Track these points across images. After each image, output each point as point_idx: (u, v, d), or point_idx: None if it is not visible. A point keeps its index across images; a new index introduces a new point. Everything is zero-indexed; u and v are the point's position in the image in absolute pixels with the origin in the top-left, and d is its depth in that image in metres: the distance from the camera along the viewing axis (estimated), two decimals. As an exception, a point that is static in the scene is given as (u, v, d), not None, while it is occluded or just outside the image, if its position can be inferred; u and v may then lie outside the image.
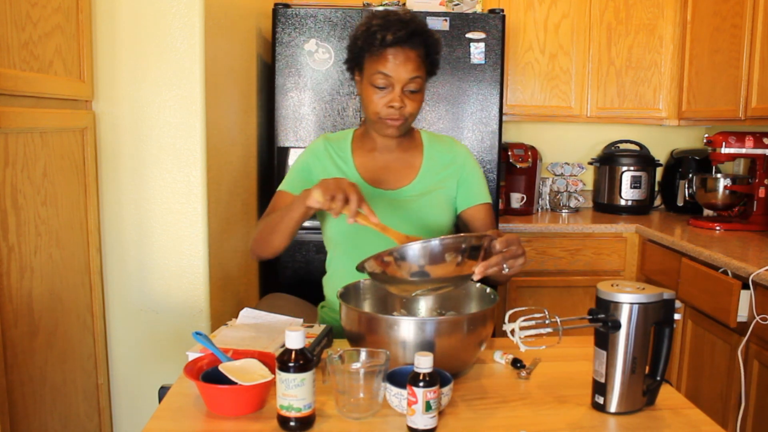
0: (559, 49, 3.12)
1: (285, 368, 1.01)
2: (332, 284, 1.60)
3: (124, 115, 1.83)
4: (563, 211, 3.32)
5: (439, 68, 1.56)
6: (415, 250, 1.15)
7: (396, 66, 1.44)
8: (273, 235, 1.45)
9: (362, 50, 1.48)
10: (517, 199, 3.18)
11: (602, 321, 1.09)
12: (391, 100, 1.46)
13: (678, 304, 1.13)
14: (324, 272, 1.68)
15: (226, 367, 1.11)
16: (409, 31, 1.44)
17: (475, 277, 1.18)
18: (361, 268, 1.21)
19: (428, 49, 1.49)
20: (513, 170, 3.16)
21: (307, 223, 2.61)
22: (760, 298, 2.00)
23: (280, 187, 1.60)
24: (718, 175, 2.79)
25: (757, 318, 1.99)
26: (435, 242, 1.15)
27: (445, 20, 2.61)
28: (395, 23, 1.44)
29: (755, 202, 2.70)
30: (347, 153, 1.60)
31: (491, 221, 1.63)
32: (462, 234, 1.21)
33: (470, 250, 1.18)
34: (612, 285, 1.11)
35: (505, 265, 1.21)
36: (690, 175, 2.99)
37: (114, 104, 1.82)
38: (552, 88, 3.14)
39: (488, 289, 1.36)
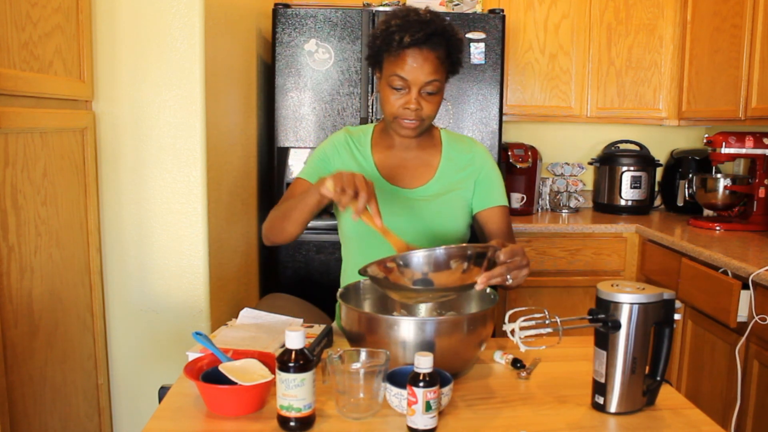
0: (559, 49, 3.12)
1: (285, 368, 1.01)
2: (347, 282, 1.59)
3: (124, 115, 1.83)
4: (563, 211, 3.32)
5: (462, 66, 1.53)
6: (419, 258, 1.15)
7: (413, 69, 1.41)
8: (286, 221, 1.44)
9: (381, 50, 1.46)
10: (517, 199, 3.18)
11: (602, 321, 1.09)
12: (406, 102, 1.44)
13: (678, 304, 1.13)
14: (324, 272, 1.68)
15: (226, 367, 1.11)
16: (429, 33, 1.40)
17: (478, 287, 1.17)
18: (363, 272, 1.21)
19: (450, 49, 1.45)
20: (513, 170, 3.16)
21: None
22: (759, 298, 2.00)
23: (298, 175, 1.60)
24: (718, 175, 2.79)
25: (756, 318, 1.99)
26: (440, 251, 1.15)
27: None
28: (414, 24, 1.40)
29: (755, 202, 2.69)
30: (367, 148, 1.59)
31: (506, 224, 1.60)
32: (466, 245, 1.21)
33: (475, 258, 1.18)
34: (612, 285, 1.11)
35: (508, 276, 1.20)
36: (690, 175, 2.99)
37: (114, 104, 1.82)
38: (552, 88, 3.14)
39: (488, 289, 1.36)
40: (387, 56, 1.45)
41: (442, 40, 1.43)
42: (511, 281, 1.21)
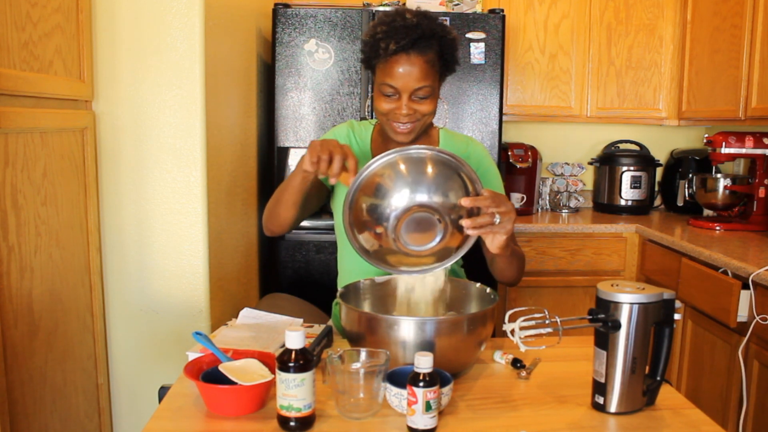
0: (559, 49, 3.12)
1: (285, 368, 1.01)
2: (342, 281, 1.59)
3: (124, 115, 1.83)
4: (563, 211, 3.32)
5: (459, 65, 1.51)
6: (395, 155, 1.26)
7: (402, 76, 1.40)
8: (278, 206, 1.44)
9: (371, 58, 1.46)
10: (517, 199, 3.18)
11: (602, 321, 1.09)
12: (397, 108, 1.44)
13: (678, 304, 1.13)
14: (324, 272, 1.68)
15: (226, 367, 1.11)
16: (415, 38, 1.38)
17: (464, 204, 1.21)
18: (357, 247, 1.22)
19: (442, 50, 1.44)
20: (513, 170, 3.16)
21: (306, 223, 2.63)
22: (760, 298, 2.00)
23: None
24: (718, 175, 2.79)
25: (757, 318, 1.99)
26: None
27: (445, 20, 2.61)
28: (399, 30, 1.39)
29: (755, 202, 2.70)
30: (367, 142, 1.60)
31: None
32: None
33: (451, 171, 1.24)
34: (612, 285, 1.11)
35: (496, 215, 1.21)
36: (690, 175, 2.99)
37: (114, 104, 1.82)
38: (552, 88, 3.14)
39: (488, 289, 1.36)
40: (377, 63, 1.45)
41: (432, 42, 1.41)
42: (498, 220, 1.22)
